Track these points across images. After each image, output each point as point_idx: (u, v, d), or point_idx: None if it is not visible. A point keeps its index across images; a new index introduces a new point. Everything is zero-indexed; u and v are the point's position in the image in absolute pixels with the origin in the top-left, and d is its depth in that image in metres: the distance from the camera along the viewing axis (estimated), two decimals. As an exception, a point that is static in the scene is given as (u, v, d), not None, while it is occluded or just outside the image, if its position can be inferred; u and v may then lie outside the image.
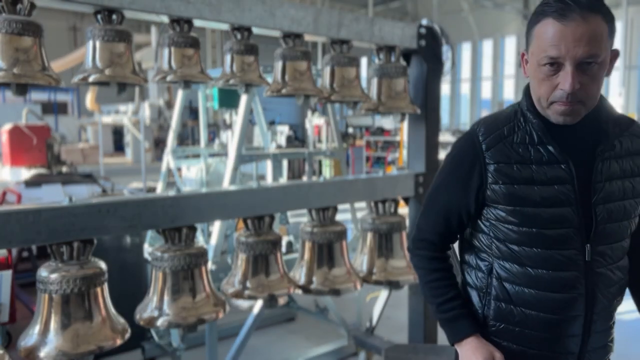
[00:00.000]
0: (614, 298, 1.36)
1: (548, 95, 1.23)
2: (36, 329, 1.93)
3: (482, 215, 1.38)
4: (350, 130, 20.32)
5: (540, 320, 1.32)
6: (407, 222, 3.03)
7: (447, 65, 3.08)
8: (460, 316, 1.39)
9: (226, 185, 3.69)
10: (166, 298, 2.22)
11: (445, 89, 21.76)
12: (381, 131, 14.93)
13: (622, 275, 1.36)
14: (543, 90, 1.24)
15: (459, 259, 1.55)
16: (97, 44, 2.09)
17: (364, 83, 2.86)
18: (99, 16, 2.12)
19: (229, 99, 4.87)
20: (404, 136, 11.27)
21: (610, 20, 1.20)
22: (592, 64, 1.18)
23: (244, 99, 3.82)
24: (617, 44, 16.90)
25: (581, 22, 1.15)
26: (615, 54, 1.25)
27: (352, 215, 4.43)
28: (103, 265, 2.06)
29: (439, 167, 1.52)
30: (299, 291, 2.71)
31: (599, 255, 1.30)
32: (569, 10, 1.16)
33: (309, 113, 10.32)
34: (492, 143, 1.32)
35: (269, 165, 4.50)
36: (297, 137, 17.98)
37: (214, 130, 13.05)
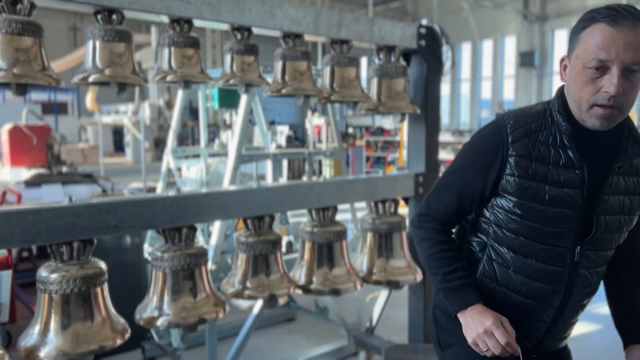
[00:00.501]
0: (586, 298, 1.48)
1: (590, 97, 1.27)
2: (36, 329, 1.93)
3: (488, 202, 1.46)
4: (350, 130, 20.32)
5: (518, 302, 1.44)
6: (407, 222, 3.03)
7: (447, 65, 3.08)
8: (467, 285, 1.44)
9: (226, 185, 3.69)
10: (166, 298, 2.22)
11: (445, 89, 21.77)
12: (381, 131, 14.93)
13: (598, 279, 1.48)
14: (585, 93, 1.28)
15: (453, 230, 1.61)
16: (97, 44, 2.09)
17: (364, 83, 2.86)
18: (99, 16, 2.12)
19: (229, 99, 4.87)
20: (404, 136, 11.26)
21: None
22: (636, 72, 1.24)
23: (244, 99, 3.82)
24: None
25: (632, 29, 1.21)
26: None
27: (352, 215, 4.44)
28: (103, 265, 2.06)
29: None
30: (299, 291, 2.71)
31: (585, 258, 1.41)
32: (622, 17, 1.22)
33: (309, 113, 10.31)
34: (518, 136, 1.37)
35: (269, 165, 4.50)
36: (297, 137, 17.98)
37: (214, 130, 13.06)
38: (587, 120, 1.31)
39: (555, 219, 1.35)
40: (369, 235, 2.93)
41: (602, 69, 1.24)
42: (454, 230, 1.58)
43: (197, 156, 5.17)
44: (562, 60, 1.37)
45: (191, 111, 18.02)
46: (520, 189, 1.36)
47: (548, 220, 1.35)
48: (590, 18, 1.27)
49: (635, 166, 1.39)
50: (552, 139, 1.36)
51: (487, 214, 1.46)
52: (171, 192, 2.24)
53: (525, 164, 1.35)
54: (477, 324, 1.36)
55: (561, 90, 1.39)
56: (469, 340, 1.39)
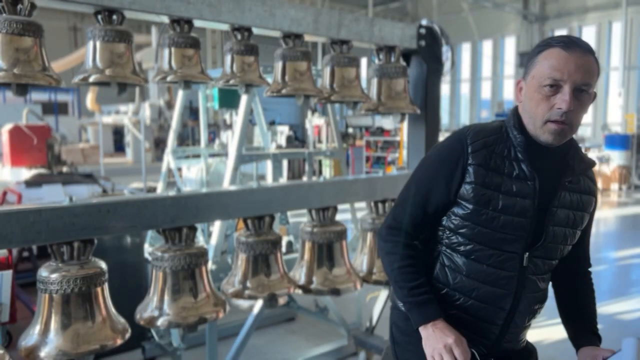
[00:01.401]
0: (536, 303, 1.56)
1: (544, 113, 1.40)
2: (36, 328, 1.94)
3: (447, 210, 1.55)
4: (350, 130, 20.31)
5: (471, 306, 1.51)
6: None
7: (446, 66, 3.08)
8: (430, 300, 1.50)
9: (226, 185, 3.69)
10: (166, 298, 2.22)
11: (445, 89, 21.77)
12: (381, 131, 14.93)
13: (545, 286, 1.59)
14: (540, 109, 1.41)
15: None
16: (98, 44, 2.09)
17: (364, 83, 2.87)
18: (99, 16, 2.12)
19: (229, 99, 4.87)
20: (403, 136, 11.26)
21: (598, 65, 1.43)
22: (584, 92, 1.38)
23: (244, 99, 3.82)
24: (617, 44, 16.94)
25: (582, 55, 1.38)
26: (594, 95, 1.44)
27: (352, 215, 4.44)
28: (103, 265, 2.06)
29: None
30: (299, 291, 2.72)
31: (533, 264, 1.50)
32: (574, 44, 1.38)
33: (309, 113, 10.32)
34: (477, 147, 1.47)
35: (269, 165, 4.50)
36: (297, 137, 17.97)
37: (214, 130, 13.06)
38: (541, 135, 1.42)
39: (506, 226, 1.45)
40: (369, 235, 2.93)
41: (555, 87, 1.38)
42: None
43: (197, 156, 5.18)
44: (518, 82, 1.50)
45: (191, 111, 18.01)
46: (476, 196, 1.45)
47: (499, 227, 1.45)
48: (546, 44, 1.42)
49: (581, 184, 1.53)
50: (507, 152, 1.47)
51: (443, 221, 1.55)
52: (171, 192, 2.24)
53: (482, 173, 1.45)
54: (437, 339, 1.43)
55: (515, 109, 1.52)
56: (428, 352, 1.45)
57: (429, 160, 1.57)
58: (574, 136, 1.49)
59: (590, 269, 1.70)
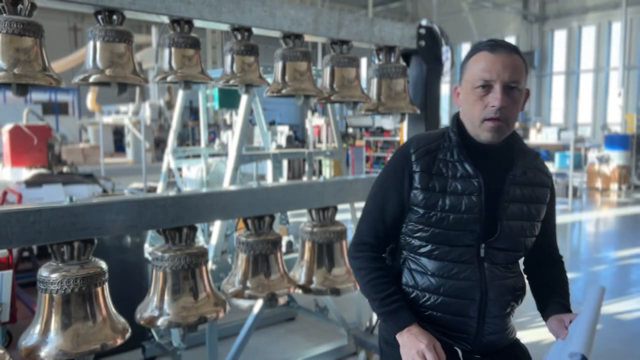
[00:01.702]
0: (508, 293, 1.60)
1: (480, 113, 1.50)
2: (37, 328, 1.94)
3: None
4: (350, 130, 20.31)
5: (442, 303, 1.57)
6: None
7: (446, 66, 3.09)
8: (402, 307, 1.56)
9: (226, 185, 3.70)
10: (166, 298, 2.23)
11: (445, 89, 21.71)
12: (381, 131, 14.94)
13: (513, 275, 1.62)
14: (476, 109, 1.51)
15: None
16: (98, 44, 2.10)
17: (364, 83, 2.87)
18: (99, 16, 2.12)
19: (229, 99, 4.87)
20: (403, 136, 11.26)
21: (525, 61, 1.54)
22: (515, 89, 1.49)
23: (244, 99, 3.82)
24: (617, 44, 16.94)
25: (508, 55, 1.49)
26: (528, 93, 1.56)
27: (352, 215, 4.44)
28: (104, 265, 2.06)
29: None
30: (299, 291, 2.72)
31: (491, 255, 1.56)
32: (499, 46, 1.50)
33: (309, 113, 10.32)
34: (420, 155, 1.58)
35: (269, 165, 4.50)
36: (297, 137, 17.98)
37: (215, 130, 13.06)
38: (481, 134, 1.52)
39: (457, 223, 1.53)
40: (369, 235, 2.93)
41: (487, 87, 1.48)
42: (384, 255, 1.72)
43: (197, 156, 5.17)
44: (455, 88, 1.62)
45: (191, 111, 18.00)
46: (424, 200, 1.55)
47: (450, 225, 1.53)
48: (474, 49, 1.54)
49: (530, 178, 1.60)
50: (449, 155, 1.57)
51: (402, 228, 1.64)
52: (171, 192, 2.24)
53: (426, 178, 1.55)
54: (412, 345, 1.47)
55: (456, 115, 1.63)
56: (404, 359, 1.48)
57: (381, 177, 1.68)
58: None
59: (562, 259, 1.75)
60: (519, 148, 1.61)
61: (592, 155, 13.01)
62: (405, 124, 3.23)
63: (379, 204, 1.65)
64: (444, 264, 1.56)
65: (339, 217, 2.83)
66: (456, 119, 1.61)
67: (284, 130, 13.78)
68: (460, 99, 1.60)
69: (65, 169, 6.76)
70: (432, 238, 1.56)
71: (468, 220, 1.53)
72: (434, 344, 1.46)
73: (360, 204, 3.38)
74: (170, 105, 16.11)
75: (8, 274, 1.96)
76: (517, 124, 14.21)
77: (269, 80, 2.61)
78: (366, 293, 1.63)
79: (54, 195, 4.87)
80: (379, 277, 1.60)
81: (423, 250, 1.59)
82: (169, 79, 2.32)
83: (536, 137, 11.77)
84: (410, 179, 1.58)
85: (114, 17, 2.12)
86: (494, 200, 1.54)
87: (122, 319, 2.10)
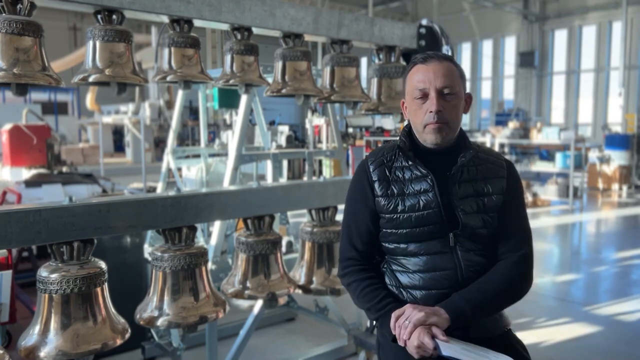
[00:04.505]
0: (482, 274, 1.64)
1: (422, 119, 1.63)
2: (36, 328, 1.94)
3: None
4: (350, 130, 20.29)
5: (426, 296, 1.62)
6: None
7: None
8: (394, 308, 1.59)
9: (226, 185, 3.69)
10: (166, 298, 2.22)
11: (445, 89, 21.70)
12: (381, 131, 14.87)
13: (484, 260, 1.65)
14: (418, 117, 1.65)
15: None
16: (97, 44, 2.09)
17: (364, 83, 2.86)
18: (99, 16, 2.12)
19: (229, 99, 4.86)
20: (404, 136, 11.20)
21: (459, 67, 1.67)
22: (450, 94, 1.61)
23: (244, 99, 3.82)
24: (617, 43, 16.93)
25: (438, 64, 1.63)
26: (469, 96, 1.70)
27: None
28: (103, 265, 2.06)
29: None
30: (299, 291, 2.71)
31: (460, 243, 1.64)
32: (430, 57, 1.65)
33: (309, 113, 10.30)
34: (376, 165, 1.72)
35: (269, 165, 4.49)
36: (297, 137, 17.94)
37: (214, 130, 13.04)
38: (427, 138, 1.65)
39: (419, 221, 1.63)
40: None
41: (424, 97, 1.62)
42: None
43: (197, 156, 5.17)
44: (402, 103, 1.75)
45: (191, 111, 17.97)
46: (386, 205, 1.66)
47: (415, 223, 1.63)
48: (412, 63, 1.69)
49: (481, 172, 1.68)
50: (403, 162, 1.70)
51: (379, 235, 1.72)
52: (171, 192, 2.24)
53: (384, 185, 1.68)
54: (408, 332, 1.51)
55: (408, 126, 1.76)
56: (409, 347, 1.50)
57: (348, 193, 1.80)
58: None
59: (524, 257, 1.64)
60: (466, 146, 1.69)
61: (593, 155, 12.99)
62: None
63: (352, 218, 1.76)
64: (419, 259, 1.65)
65: (339, 217, 2.83)
66: (407, 129, 1.75)
67: (284, 130, 13.76)
68: (406, 111, 1.73)
69: (64, 169, 6.75)
70: (402, 238, 1.66)
71: (429, 216, 1.62)
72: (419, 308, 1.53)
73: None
74: (170, 105, 16.11)
75: (7, 274, 1.96)
76: (517, 124, 14.20)
77: (269, 79, 2.61)
78: (361, 305, 1.70)
79: (54, 195, 4.86)
80: (368, 285, 1.68)
81: (399, 251, 1.68)
82: (168, 78, 2.31)
83: (537, 137, 11.76)
84: (371, 189, 1.70)
85: (114, 16, 2.12)
86: (450, 199, 1.64)
87: (121, 319, 2.10)
